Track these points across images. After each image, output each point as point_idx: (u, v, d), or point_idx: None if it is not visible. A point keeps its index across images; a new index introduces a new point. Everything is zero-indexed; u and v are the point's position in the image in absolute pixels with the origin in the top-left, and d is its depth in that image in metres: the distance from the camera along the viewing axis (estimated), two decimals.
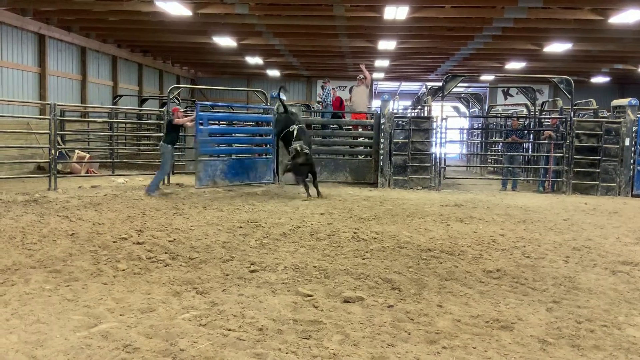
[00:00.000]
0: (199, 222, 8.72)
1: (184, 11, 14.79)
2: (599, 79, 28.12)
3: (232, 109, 18.72)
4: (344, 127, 16.73)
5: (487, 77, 27.85)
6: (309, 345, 4.14)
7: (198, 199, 11.33)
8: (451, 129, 16.59)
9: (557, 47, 18.94)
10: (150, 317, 4.61)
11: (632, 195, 13.97)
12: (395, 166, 14.47)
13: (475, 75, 26.37)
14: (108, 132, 18.73)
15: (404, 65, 26.60)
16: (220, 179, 13.40)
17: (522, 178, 16.22)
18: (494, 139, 20.84)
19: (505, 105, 28.13)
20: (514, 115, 19.80)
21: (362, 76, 16.52)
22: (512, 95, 30.48)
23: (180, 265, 6.25)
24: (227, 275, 5.91)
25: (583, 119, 15.60)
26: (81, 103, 20.10)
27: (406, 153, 14.45)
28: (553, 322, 4.78)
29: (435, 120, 14.82)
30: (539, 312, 5.04)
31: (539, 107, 18.38)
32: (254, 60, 24.99)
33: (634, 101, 14.19)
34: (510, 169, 15.53)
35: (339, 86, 29.91)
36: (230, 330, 4.38)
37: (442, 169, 14.80)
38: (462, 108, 27.27)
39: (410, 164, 14.46)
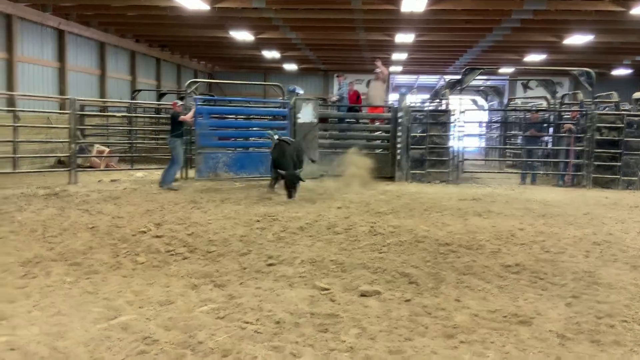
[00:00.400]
0: (216, 216, 8.77)
1: (201, 5, 14.85)
2: (620, 71, 27.67)
3: (250, 103, 18.77)
4: (360, 121, 16.68)
5: (506, 70, 27.56)
6: (325, 339, 4.15)
7: (215, 193, 11.39)
8: (469, 122, 16.47)
9: (577, 39, 18.68)
10: (169, 310, 4.66)
11: None
12: (413, 160, 14.39)
13: (494, 68, 26.11)
14: (127, 127, 18.90)
15: (422, 58, 26.44)
16: (223, 171, 13.53)
17: (541, 172, 16.04)
18: (513, 132, 20.63)
19: (524, 98, 27.80)
20: (534, 108, 19.56)
21: (379, 70, 16.44)
22: (531, 88, 30.10)
23: (198, 259, 6.29)
24: (244, 268, 5.95)
25: (604, 111, 15.36)
26: (100, 98, 20.33)
27: (424, 147, 14.37)
28: (572, 317, 4.74)
29: (453, 113, 14.71)
30: (558, 307, 4.99)
31: (559, 100, 18.14)
32: (270, 54, 25.02)
33: None
34: (530, 162, 15.36)
35: (356, 80, 29.77)
36: (247, 323, 4.40)
37: (460, 163, 14.70)
38: (481, 101, 27.02)
39: (427, 158, 14.38)
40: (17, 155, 12.90)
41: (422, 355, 3.92)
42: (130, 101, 20.66)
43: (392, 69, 28.91)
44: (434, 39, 19.94)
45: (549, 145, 16.55)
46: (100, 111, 20.35)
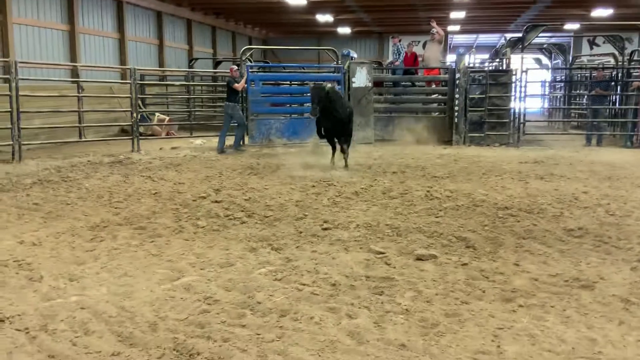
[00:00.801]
0: (272, 182, 8.90)
1: None
2: None
3: (303, 69, 18.73)
4: (417, 83, 16.36)
5: (571, 26, 26.17)
6: (381, 301, 4.18)
7: (271, 158, 11.52)
8: (532, 83, 15.83)
9: None
10: (229, 272, 4.80)
11: None
12: (471, 123, 14.03)
13: (558, 25, 24.83)
14: (185, 95, 19.27)
15: (481, 17, 25.49)
16: (277, 137, 13.65)
17: (608, 132, 15.33)
18: (578, 92, 19.73)
19: (590, 55, 26.44)
20: (600, 66, 18.59)
21: (434, 30, 15.96)
22: (598, 45, 28.54)
23: (255, 223, 6.43)
24: (300, 232, 6.03)
25: None
26: (159, 67, 20.75)
27: (483, 109, 13.97)
28: (638, 281, 4.57)
29: (514, 73, 14.19)
30: (622, 271, 4.83)
31: (628, 57, 17.14)
32: (324, 17, 24.73)
33: None
34: (595, 123, 14.69)
35: (412, 41, 29.06)
36: (304, 285, 4.49)
37: (522, 125, 14.23)
38: (544, 60, 25.90)
39: (487, 120, 13.98)
40: (82, 125, 13.41)
41: (479, 319, 3.89)
42: (188, 70, 20.99)
43: (450, 28, 28.05)
44: None
45: (616, 105, 15.74)
46: (160, 80, 20.82)
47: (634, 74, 15.29)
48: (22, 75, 11.56)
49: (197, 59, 22.83)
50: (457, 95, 14.03)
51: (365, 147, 13.33)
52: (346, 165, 10.24)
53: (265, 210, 6.97)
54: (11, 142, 10.84)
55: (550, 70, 22.96)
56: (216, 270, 4.86)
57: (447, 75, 14.96)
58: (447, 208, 7.10)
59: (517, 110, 14.28)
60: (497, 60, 22.72)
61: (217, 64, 23.71)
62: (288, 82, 16.74)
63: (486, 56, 31.02)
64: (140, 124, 13.61)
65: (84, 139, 13.46)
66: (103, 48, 17.56)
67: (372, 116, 14.50)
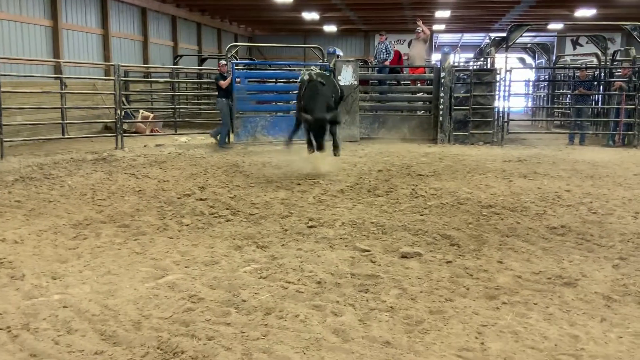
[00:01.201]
0: (258, 180, 8.87)
1: None
2: None
3: (290, 67, 18.68)
4: (402, 82, 16.40)
5: (555, 26, 26.40)
6: (366, 299, 4.19)
7: (256, 156, 11.49)
8: (516, 82, 15.95)
9: None
10: (214, 270, 4.78)
11: None
12: (456, 121, 14.11)
13: (542, 24, 25.02)
14: (170, 92, 19.13)
15: (466, 16, 25.61)
16: (262, 135, 13.63)
17: (590, 132, 15.51)
18: (561, 91, 19.92)
19: (574, 55, 26.70)
20: (583, 65, 18.78)
21: (420, 29, 16.02)
22: (581, 45, 28.83)
23: (241, 221, 6.41)
24: (286, 230, 6.02)
25: None
26: (143, 64, 20.58)
27: (467, 108, 14.05)
28: (619, 279, 4.63)
29: (498, 72, 14.29)
30: (604, 268, 4.89)
31: (611, 57, 17.35)
32: (310, 15, 24.69)
33: None
34: (578, 122, 14.85)
35: (398, 40, 29.21)
36: (289, 282, 4.48)
37: (506, 124, 14.34)
38: (528, 59, 26.11)
39: (471, 119, 14.07)
40: (65, 122, 13.26)
41: (463, 316, 3.91)
42: (173, 66, 20.85)
43: (435, 27, 28.16)
44: None
45: (599, 104, 15.93)
46: (144, 77, 20.64)
47: (616, 73, 15.48)
48: (4, 71, 11.39)
49: (182, 55, 22.66)
50: (442, 94, 14.09)
51: (351, 145, 13.35)
52: (337, 154, 9.55)
53: (251, 208, 6.95)
54: None
55: (533, 70, 23.14)
56: (201, 268, 4.83)
57: (432, 74, 15.03)
58: (431, 206, 7.14)
59: (501, 109, 14.38)
60: (482, 59, 22.87)
61: (202, 61, 23.57)
62: (274, 80, 16.69)
63: (471, 55, 31.23)
64: (124, 121, 13.49)
65: (67, 136, 13.31)
66: (87, 44, 17.36)
67: (358, 114, 14.53)
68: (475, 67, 19.67)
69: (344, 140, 13.81)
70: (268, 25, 30.57)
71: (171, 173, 9.44)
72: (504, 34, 15.86)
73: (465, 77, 14.66)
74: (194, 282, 4.48)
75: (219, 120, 13.02)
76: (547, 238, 5.80)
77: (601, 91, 15.80)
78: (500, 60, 15.71)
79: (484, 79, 14.16)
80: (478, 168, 10.19)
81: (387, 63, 15.91)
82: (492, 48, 17.45)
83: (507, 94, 14.36)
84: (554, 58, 22.39)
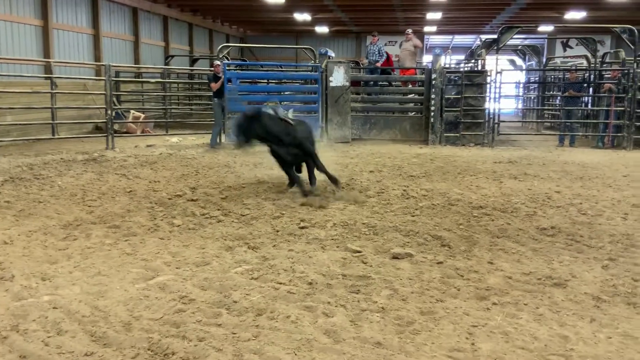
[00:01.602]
0: (250, 180, 8.86)
1: None
2: None
3: (282, 68, 18.69)
4: (393, 83, 16.45)
5: (546, 28, 26.56)
6: (357, 299, 4.20)
7: (248, 157, 11.46)
8: (506, 84, 16.04)
9: None
10: (205, 271, 4.77)
11: None
12: (447, 123, 14.16)
13: (533, 27, 25.22)
14: (161, 92, 19.06)
15: (457, 18, 25.73)
16: None
17: (580, 133, 15.61)
18: (551, 93, 20.04)
19: (564, 57, 26.88)
20: (573, 67, 18.91)
21: (409, 31, 16.07)
22: (571, 47, 29.06)
23: (232, 222, 6.39)
24: (277, 231, 6.02)
25: None
26: (134, 64, 20.49)
27: (458, 109, 14.11)
28: (608, 279, 4.67)
29: (489, 74, 14.35)
30: (594, 269, 4.93)
31: (600, 59, 17.48)
32: (302, 16, 24.71)
33: None
34: (568, 124, 14.95)
35: (389, 41, 29.27)
36: (281, 283, 4.48)
37: (496, 125, 14.41)
38: (519, 61, 26.26)
39: (462, 120, 14.13)
40: (55, 122, 13.17)
41: (454, 316, 3.93)
42: (164, 67, 20.78)
43: (426, 29, 28.26)
44: None
45: (589, 106, 16.05)
46: (135, 77, 20.56)
47: (606, 75, 15.59)
48: None
49: (173, 56, 22.61)
50: (433, 96, 14.14)
51: (343, 146, 13.38)
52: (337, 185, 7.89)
53: (242, 209, 6.94)
54: None
55: (524, 72, 23.27)
56: (192, 269, 4.82)
57: (423, 76, 15.07)
58: (423, 207, 7.16)
59: (491, 111, 14.45)
60: (473, 61, 22.99)
61: (193, 61, 23.51)
62: (265, 81, 16.69)
63: (462, 57, 31.36)
64: (115, 121, 13.43)
65: (57, 136, 13.22)
66: (77, 44, 17.26)
67: (349, 115, 14.55)
68: (466, 69, 19.75)
69: (335, 141, 13.86)
70: (260, 25, 30.55)
71: (162, 174, 9.41)
72: (495, 36, 15.94)
73: (456, 78, 14.72)
74: (184, 283, 4.47)
75: (211, 120, 13.03)
76: (537, 239, 5.84)
77: (591, 93, 15.92)
78: (491, 62, 15.79)
79: (475, 80, 14.22)
80: (469, 169, 10.23)
81: (378, 65, 15.94)
82: (483, 50, 17.53)
83: (497, 95, 14.43)
84: (544, 60, 22.53)
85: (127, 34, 20.30)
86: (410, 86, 16.08)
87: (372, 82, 16.11)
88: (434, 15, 23.77)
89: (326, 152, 10.53)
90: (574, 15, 22.33)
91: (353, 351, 3.42)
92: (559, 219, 6.65)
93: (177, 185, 8.43)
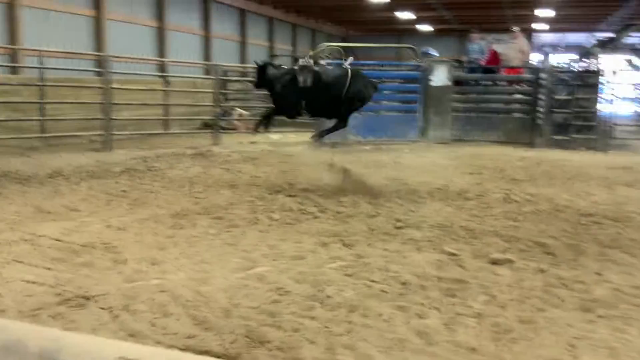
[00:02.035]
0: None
1: None
2: None
3: (382, 67, 18.61)
4: (498, 83, 15.88)
5: None
6: (452, 303, 4.11)
7: (345, 155, 11.55)
8: (623, 84, 14.97)
9: None
10: (300, 264, 4.88)
11: None
12: (555, 125, 13.46)
13: None
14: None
15: (570, 15, 24.35)
16: (352, 134, 13.58)
17: None
18: None
19: None
20: None
21: (516, 28, 15.43)
22: None
23: (328, 219, 6.48)
24: (372, 230, 6.02)
25: None
26: (241, 64, 21.29)
27: (569, 111, 13.36)
28: None
29: (603, 74, 13.48)
30: None
31: None
32: (404, 15, 24.49)
33: None
34: None
35: (497, 40, 28.22)
36: (374, 282, 4.48)
37: (611, 128, 13.50)
38: (637, 61, 24.41)
39: (572, 123, 13.37)
40: (167, 117, 13.99)
41: (556, 327, 3.74)
42: None
43: (536, 26, 27.02)
44: None
45: None
46: (241, 76, 21.35)
47: None
48: (115, 69, 12.20)
49: (276, 55, 23.23)
50: (541, 96, 13.49)
51: (442, 147, 13.12)
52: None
53: (338, 207, 7.01)
54: (103, 133, 11.49)
55: None
56: (288, 262, 4.94)
57: (531, 75, 14.42)
58: (526, 212, 6.87)
59: (606, 113, 13.56)
60: (585, 60, 21.67)
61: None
62: None
63: (573, 56, 29.65)
64: (221, 118, 14.03)
65: (169, 131, 14.03)
66: (189, 44, 18.22)
67: (450, 116, 14.23)
68: (578, 69, 18.68)
69: (435, 142, 13.61)
70: (362, 25, 30.66)
71: (263, 169, 9.73)
72: (611, 34, 14.94)
73: (567, 78, 13.96)
74: (280, 276, 4.59)
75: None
76: None
77: None
78: (606, 61, 14.80)
79: (588, 80, 13.42)
80: (579, 175, 9.67)
81: (481, 63, 15.48)
82: (597, 49, 16.49)
83: (613, 97, 13.51)
84: None
85: (235, 35, 21.13)
86: (515, 86, 15.44)
87: (473, 82, 15.65)
88: (544, 12, 22.66)
89: (425, 152, 10.40)
90: None
91: (447, 355, 3.36)
92: None
93: (277, 180, 8.67)
